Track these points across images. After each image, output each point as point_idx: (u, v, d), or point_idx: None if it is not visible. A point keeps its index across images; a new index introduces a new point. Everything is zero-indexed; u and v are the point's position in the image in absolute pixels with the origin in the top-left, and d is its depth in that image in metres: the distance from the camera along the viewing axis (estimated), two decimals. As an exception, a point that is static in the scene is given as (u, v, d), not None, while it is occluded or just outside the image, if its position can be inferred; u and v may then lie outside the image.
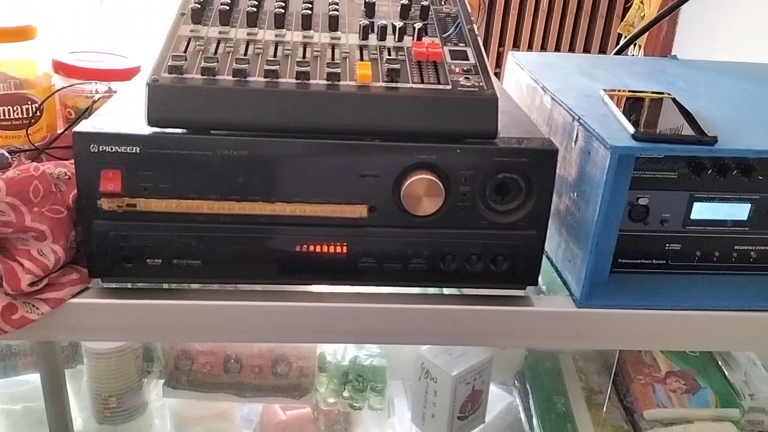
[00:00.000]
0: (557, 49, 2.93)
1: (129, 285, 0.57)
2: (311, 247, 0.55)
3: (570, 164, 0.60)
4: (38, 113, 0.70)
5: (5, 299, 0.52)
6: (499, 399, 0.94)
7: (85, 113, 0.71)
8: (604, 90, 0.64)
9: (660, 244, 0.62)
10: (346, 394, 0.90)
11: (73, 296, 0.54)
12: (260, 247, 0.54)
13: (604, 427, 0.88)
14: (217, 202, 0.53)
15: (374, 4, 0.62)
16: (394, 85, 0.52)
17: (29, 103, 0.69)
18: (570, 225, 0.60)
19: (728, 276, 0.63)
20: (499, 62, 2.90)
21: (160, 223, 0.53)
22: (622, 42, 0.96)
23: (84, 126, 0.51)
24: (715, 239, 0.62)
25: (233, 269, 0.55)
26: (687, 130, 0.55)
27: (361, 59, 0.55)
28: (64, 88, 0.73)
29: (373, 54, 0.56)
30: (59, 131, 0.72)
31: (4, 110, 0.68)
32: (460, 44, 0.58)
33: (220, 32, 0.56)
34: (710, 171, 0.60)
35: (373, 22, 0.59)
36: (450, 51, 0.57)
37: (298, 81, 0.51)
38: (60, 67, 0.74)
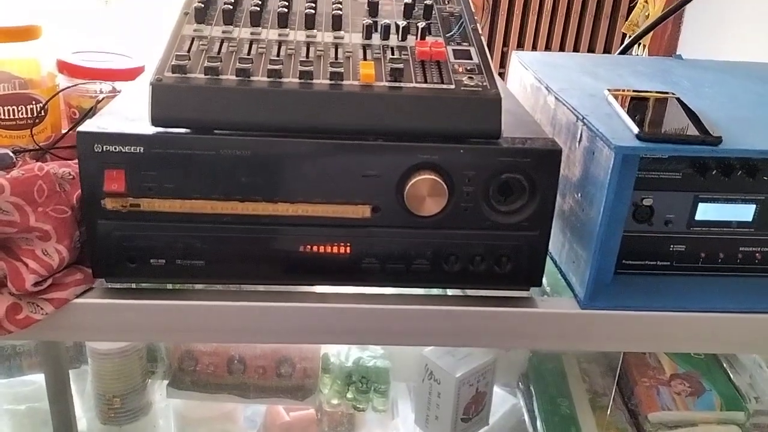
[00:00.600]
0: (561, 48, 2.92)
1: (133, 285, 0.57)
2: (314, 248, 0.55)
3: (574, 164, 0.60)
4: (42, 113, 0.70)
5: (9, 299, 0.52)
6: (502, 401, 0.94)
7: (90, 113, 0.71)
8: (609, 90, 0.64)
9: (664, 245, 0.62)
10: (349, 395, 0.90)
11: (77, 296, 0.54)
12: (263, 248, 0.54)
13: (608, 429, 0.88)
14: (220, 202, 0.53)
15: (377, 3, 0.62)
16: (397, 84, 0.52)
17: (33, 102, 0.70)
18: (574, 226, 0.60)
19: (733, 277, 0.63)
20: (503, 62, 2.90)
21: (163, 223, 0.53)
22: (626, 41, 0.96)
23: (88, 126, 0.51)
24: (719, 240, 0.62)
25: (236, 269, 0.55)
26: (692, 130, 0.55)
27: (365, 59, 0.55)
28: (69, 87, 0.73)
29: (376, 53, 0.56)
30: (63, 131, 0.72)
31: (8, 110, 0.68)
32: (464, 44, 0.58)
33: (223, 32, 0.56)
34: (715, 171, 0.59)
35: (376, 22, 0.59)
36: (453, 50, 0.57)
37: (302, 80, 0.51)
38: (64, 67, 0.74)
